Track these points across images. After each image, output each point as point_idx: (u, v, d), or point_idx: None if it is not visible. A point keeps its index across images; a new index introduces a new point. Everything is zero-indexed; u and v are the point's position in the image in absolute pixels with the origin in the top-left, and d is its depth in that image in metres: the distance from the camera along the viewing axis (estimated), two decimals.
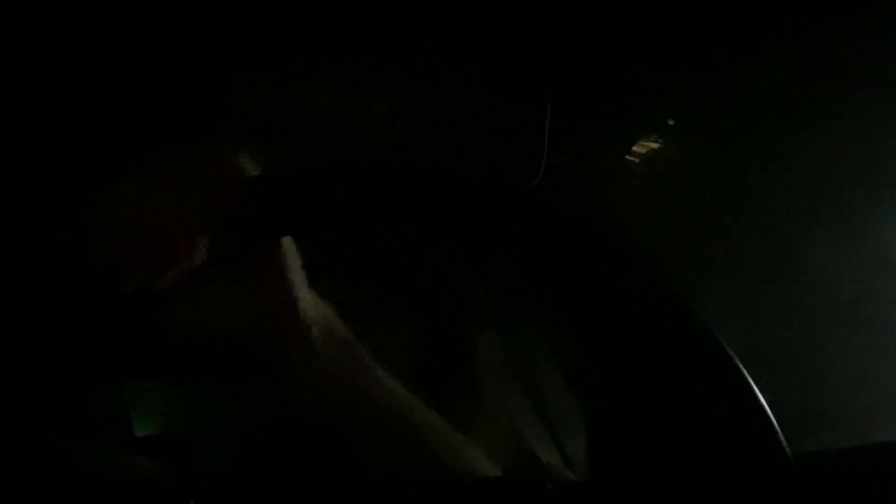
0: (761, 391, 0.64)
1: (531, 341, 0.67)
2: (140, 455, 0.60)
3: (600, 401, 0.64)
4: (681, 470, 0.61)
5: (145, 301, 0.51)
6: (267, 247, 0.56)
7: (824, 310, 0.86)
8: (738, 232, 0.87)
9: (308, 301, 0.58)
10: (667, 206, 0.88)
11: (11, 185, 0.55)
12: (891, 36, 0.84)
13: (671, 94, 0.89)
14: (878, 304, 0.87)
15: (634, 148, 0.88)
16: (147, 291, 0.51)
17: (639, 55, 0.84)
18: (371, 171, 0.58)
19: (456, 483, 0.59)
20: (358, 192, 0.56)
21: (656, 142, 0.89)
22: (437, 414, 0.61)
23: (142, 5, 0.63)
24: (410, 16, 0.74)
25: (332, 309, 0.60)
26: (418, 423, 0.60)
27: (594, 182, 0.82)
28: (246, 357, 0.55)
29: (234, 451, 0.62)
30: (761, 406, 0.64)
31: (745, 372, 0.65)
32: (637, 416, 0.64)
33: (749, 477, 0.61)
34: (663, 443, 0.63)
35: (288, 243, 0.57)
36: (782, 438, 0.62)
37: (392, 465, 0.58)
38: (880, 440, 0.76)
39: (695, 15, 0.84)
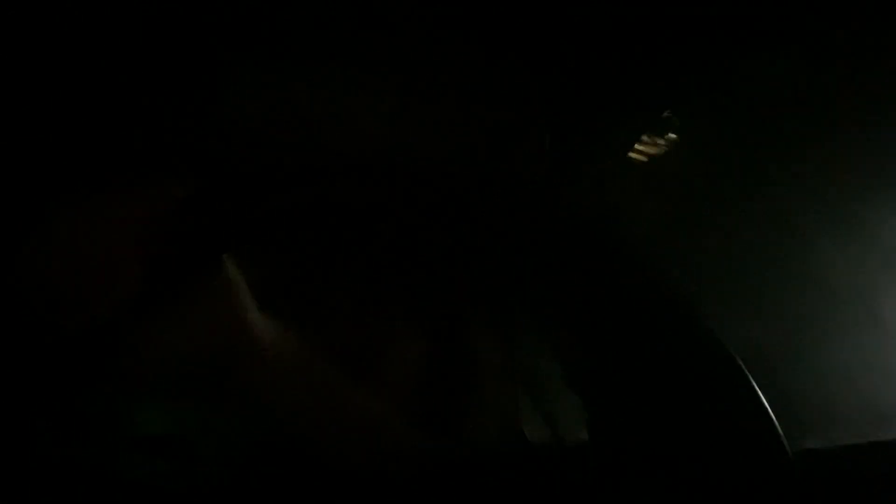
0: (762, 389, 0.64)
1: (532, 340, 0.67)
2: (141, 455, 0.59)
3: (601, 399, 0.65)
4: (681, 468, 0.61)
5: (92, 333, 0.51)
6: (210, 271, 0.55)
7: (827, 308, 0.86)
8: (742, 230, 0.87)
9: (258, 322, 0.57)
10: (669, 205, 0.88)
11: None
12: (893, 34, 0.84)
13: (674, 91, 0.89)
14: (881, 302, 0.87)
15: (637, 146, 0.88)
16: (92, 323, 0.51)
17: (641, 52, 0.84)
18: (341, 175, 0.58)
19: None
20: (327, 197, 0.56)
21: (659, 140, 0.89)
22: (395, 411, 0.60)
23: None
24: (410, 17, 0.73)
25: (285, 327, 0.59)
26: (378, 426, 0.60)
27: (596, 181, 0.82)
28: (206, 378, 0.55)
29: (228, 452, 0.62)
30: (762, 404, 0.64)
31: (745, 370, 0.65)
32: (637, 414, 0.64)
33: (749, 474, 0.61)
34: (664, 441, 0.63)
35: (231, 267, 0.56)
36: (783, 436, 0.62)
37: (357, 463, 0.58)
38: (882, 439, 0.75)
39: (696, 12, 0.84)
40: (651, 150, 0.88)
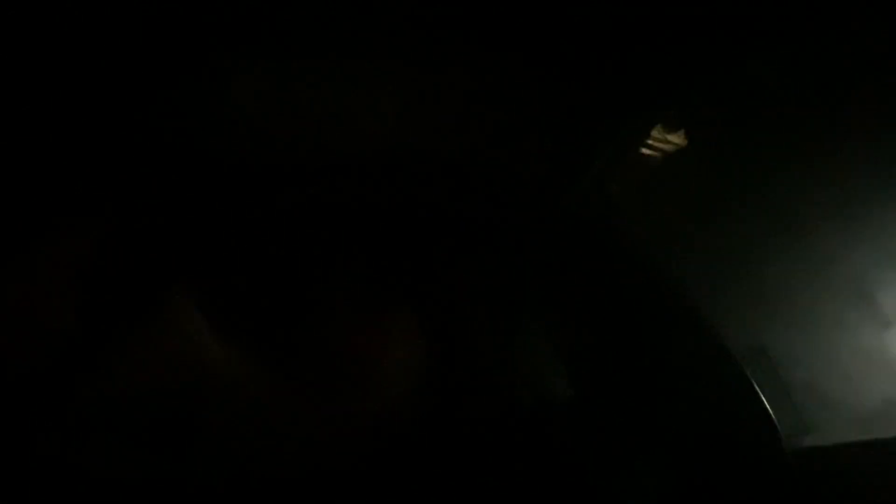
0: (762, 388, 0.64)
1: (532, 340, 0.68)
2: (142, 454, 0.59)
3: (599, 397, 0.65)
4: (679, 466, 0.62)
5: (29, 383, 0.49)
6: (155, 305, 0.51)
7: (830, 307, 0.86)
8: (743, 229, 0.87)
9: (217, 355, 0.53)
10: (670, 204, 0.88)
11: None
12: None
13: (678, 92, 0.89)
14: (884, 300, 0.87)
15: (641, 145, 0.88)
16: (26, 373, 0.49)
17: (645, 51, 0.84)
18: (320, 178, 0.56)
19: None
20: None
21: (662, 140, 0.89)
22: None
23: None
24: (410, 15, 0.73)
25: (249, 357, 0.55)
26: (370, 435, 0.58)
27: (598, 180, 0.82)
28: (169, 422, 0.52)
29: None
30: (761, 403, 0.64)
31: (744, 369, 0.66)
32: (635, 413, 0.64)
33: (747, 473, 0.62)
34: (662, 439, 0.63)
35: (181, 298, 0.53)
36: (782, 435, 0.63)
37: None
38: (884, 437, 0.76)
39: (700, 11, 0.84)
40: (654, 150, 0.88)
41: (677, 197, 0.89)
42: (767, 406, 0.63)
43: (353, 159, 0.63)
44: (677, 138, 0.89)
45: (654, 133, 0.89)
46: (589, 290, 0.69)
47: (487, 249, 0.67)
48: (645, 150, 0.89)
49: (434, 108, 0.72)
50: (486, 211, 0.68)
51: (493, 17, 0.77)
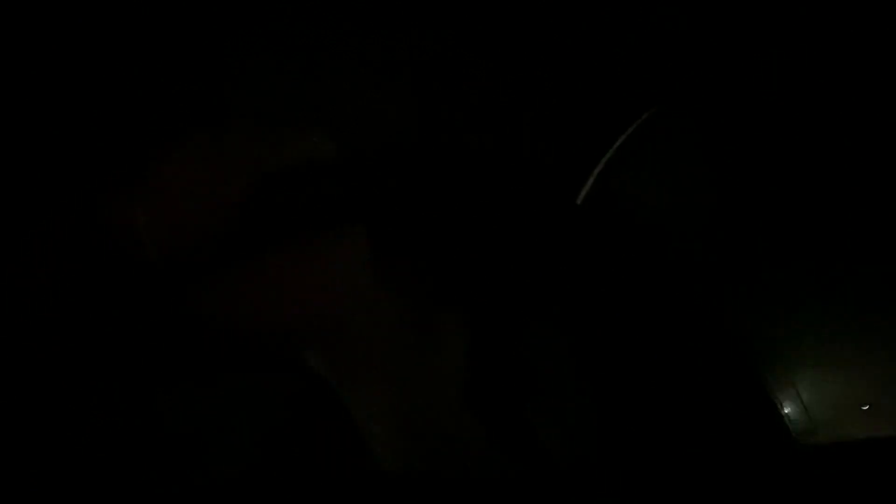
0: (773, 385, 0.64)
1: (542, 337, 0.67)
2: (144, 455, 0.59)
3: (611, 394, 0.65)
4: (691, 462, 0.62)
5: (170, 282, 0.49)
6: (340, 230, 0.52)
7: (833, 307, 0.86)
8: (746, 228, 0.88)
9: (368, 293, 0.54)
10: (672, 203, 0.88)
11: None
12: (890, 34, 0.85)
13: (676, 88, 0.90)
14: (889, 299, 0.87)
15: (642, 142, 0.88)
16: (177, 265, 0.49)
17: (644, 48, 0.84)
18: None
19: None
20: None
21: (664, 135, 0.89)
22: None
23: None
24: (413, 19, 0.73)
25: (393, 297, 0.56)
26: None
27: (599, 178, 0.82)
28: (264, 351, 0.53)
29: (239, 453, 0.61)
30: (771, 400, 0.64)
31: (754, 366, 0.66)
32: (646, 411, 0.64)
33: (759, 471, 0.62)
34: (673, 437, 0.63)
35: (360, 233, 0.53)
36: (793, 432, 0.63)
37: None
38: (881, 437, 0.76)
39: (696, 10, 0.85)
40: (654, 147, 0.88)
41: (679, 194, 0.89)
42: (778, 404, 0.63)
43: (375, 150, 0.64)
44: (677, 134, 0.89)
45: (655, 129, 0.89)
46: (596, 282, 0.68)
47: (495, 246, 0.67)
48: (646, 148, 0.89)
49: (450, 106, 0.72)
50: (493, 208, 0.68)
51: (494, 16, 0.77)
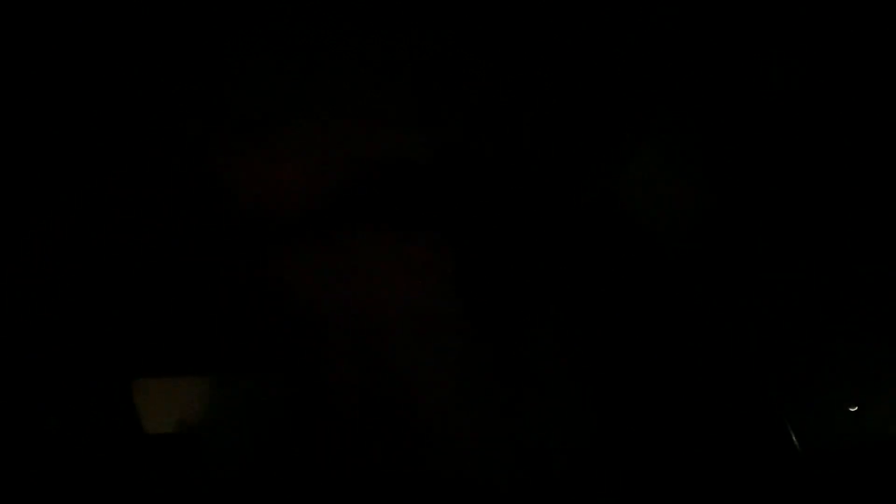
0: (773, 387, 0.64)
1: (541, 337, 0.67)
2: (144, 454, 0.59)
3: (611, 394, 0.65)
4: (692, 464, 0.62)
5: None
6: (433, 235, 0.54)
7: (834, 306, 0.86)
8: (746, 228, 0.88)
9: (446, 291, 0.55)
10: (673, 203, 0.88)
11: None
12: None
13: (680, 91, 0.90)
14: (889, 299, 0.88)
15: (642, 146, 0.88)
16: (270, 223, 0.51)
17: (644, 48, 0.84)
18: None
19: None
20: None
21: (665, 140, 0.89)
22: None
23: None
24: (413, 20, 0.73)
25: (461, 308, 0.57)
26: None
27: (601, 178, 0.82)
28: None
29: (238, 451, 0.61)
30: (772, 403, 0.64)
31: (755, 368, 0.66)
32: (646, 412, 0.64)
33: (760, 473, 0.62)
34: (672, 438, 0.63)
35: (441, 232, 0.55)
36: (793, 435, 0.63)
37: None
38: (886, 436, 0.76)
39: (696, 10, 0.85)
40: (656, 149, 0.88)
41: (679, 194, 0.89)
42: (779, 406, 0.63)
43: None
44: (680, 137, 0.89)
45: (659, 131, 0.89)
46: (596, 282, 0.69)
47: (498, 248, 0.67)
48: (647, 149, 0.89)
49: (450, 106, 0.72)
50: (494, 208, 0.68)
51: (495, 17, 0.77)
